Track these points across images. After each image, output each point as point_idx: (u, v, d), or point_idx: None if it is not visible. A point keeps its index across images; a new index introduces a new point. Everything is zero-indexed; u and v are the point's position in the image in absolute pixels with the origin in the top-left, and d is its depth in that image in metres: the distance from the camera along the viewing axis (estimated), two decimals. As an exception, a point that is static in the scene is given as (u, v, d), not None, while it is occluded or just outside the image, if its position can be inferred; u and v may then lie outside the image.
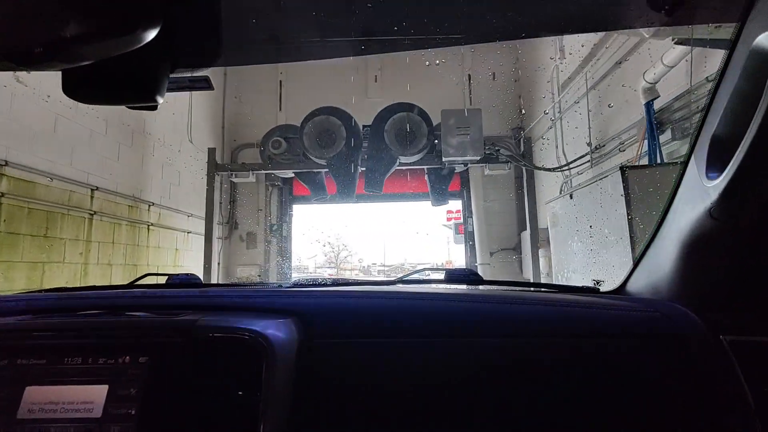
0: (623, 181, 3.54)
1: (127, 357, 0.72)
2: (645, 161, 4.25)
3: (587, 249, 4.20)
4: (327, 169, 7.03)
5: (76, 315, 0.89)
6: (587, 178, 5.14)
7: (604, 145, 5.29)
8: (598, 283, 1.18)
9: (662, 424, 0.77)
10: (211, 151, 7.50)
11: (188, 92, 5.96)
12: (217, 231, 8.09)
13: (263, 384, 0.70)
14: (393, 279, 1.27)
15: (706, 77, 3.49)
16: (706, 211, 0.78)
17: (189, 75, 0.87)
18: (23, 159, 4.40)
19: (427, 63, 7.71)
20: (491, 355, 0.83)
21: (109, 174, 5.69)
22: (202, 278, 1.31)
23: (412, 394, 0.79)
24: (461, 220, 9.12)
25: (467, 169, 8.01)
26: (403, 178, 7.90)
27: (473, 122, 6.46)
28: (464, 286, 1.21)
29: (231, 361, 0.72)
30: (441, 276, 1.21)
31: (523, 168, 7.43)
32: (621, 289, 1.11)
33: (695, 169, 0.83)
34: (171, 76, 0.78)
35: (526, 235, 7.33)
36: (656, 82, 4.17)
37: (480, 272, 6.03)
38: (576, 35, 5.24)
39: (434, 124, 6.57)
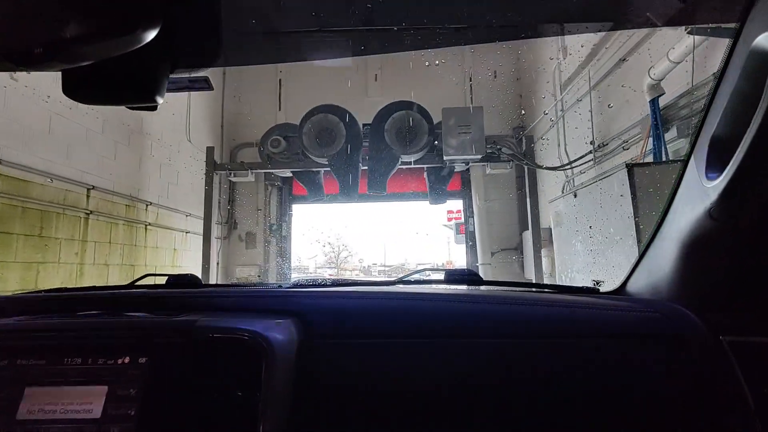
0: (630, 179, 3.47)
1: (127, 357, 0.73)
2: (649, 159, 4.23)
3: (591, 248, 4.16)
4: (326, 169, 7.04)
5: (76, 315, 0.90)
6: (590, 177, 5.12)
7: (606, 144, 5.29)
8: (597, 283, 1.19)
9: (662, 425, 0.77)
10: (210, 150, 7.49)
11: (187, 92, 5.96)
12: (216, 231, 8.09)
13: (263, 384, 0.71)
14: (393, 279, 1.28)
15: (713, 73, 3.48)
16: (706, 212, 0.79)
17: (189, 75, 0.87)
18: (17, 157, 4.39)
19: (427, 64, 7.70)
20: (491, 356, 0.84)
21: (106, 173, 5.67)
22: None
23: (411, 394, 0.80)
24: (462, 220, 9.12)
25: (468, 168, 8.02)
26: (405, 177, 7.90)
27: (474, 121, 6.44)
28: (464, 287, 1.21)
29: (230, 361, 0.73)
30: (441, 276, 1.22)
31: (525, 167, 7.42)
32: (621, 289, 1.12)
33: (695, 170, 0.84)
34: (171, 76, 0.78)
35: (528, 235, 7.32)
36: (661, 79, 4.13)
37: (481, 272, 6.04)
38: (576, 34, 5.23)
39: (435, 122, 6.57)
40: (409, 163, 6.90)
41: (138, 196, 6.30)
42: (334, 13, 0.78)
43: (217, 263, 8.16)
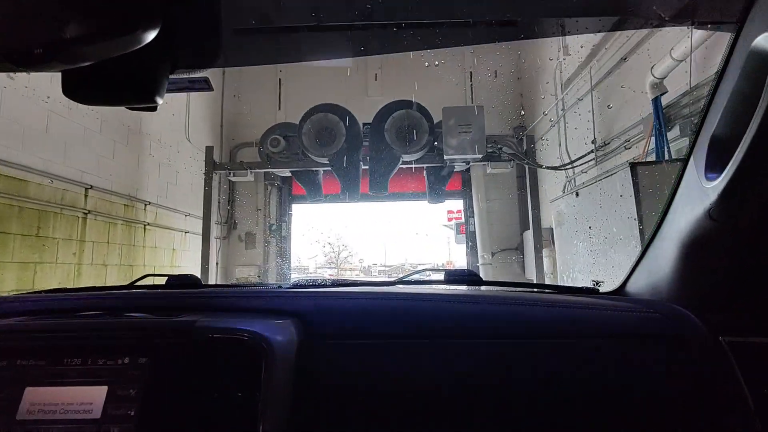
0: (633, 178, 3.45)
1: (127, 358, 0.74)
2: (651, 159, 4.22)
3: (594, 248, 4.14)
4: (326, 168, 7.05)
5: (76, 316, 0.91)
6: (591, 176, 5.12)
7: (608, 143, 5.29)
8: (597, 283, 1.19)
9: (662, 425, 0.78)
10: (209, 149, 7.51)
11: (187, 92, 5.97)
12: (216, 231, 8.10)
13: (262, 385, 0.71)
14: (393, 280, 1.28)
15: (715, 72, 3.45)
16: (705, 212, 0.80)
17: (189, 76, 0.88)
18: (14, 157, 4.38)
19: (427, 65, 7.71)
20: (491, 356, 0.84)
21: (105, 173, 5.67)
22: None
23: (411, 394, 0.81)
24: (462, 220, 9.13)
25: (469, 168, 8.03)
26: (404, 177, 7.90)
27: (475, 120, 6.44)
28: (464, 287, 1.22)
29: (230, 362, 0.73)
30: (441, 277, 1.23)
31: (526, 166, 7.43)
32: (620, 289, 1.13)
33: (694, 170, 0.85)
34: (170, 77, 0.79)
35: (529, 234, 7.33)
36: (664, 78, 4.11)
37: (482, 273, 6.05)
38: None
39: (435, 121, 6.58)
40: (410, 162, 6.91)
41: (137, 196, 6.31)
42: (334, 13, 0.79)
43: (217, 263, 8.17)
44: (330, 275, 19.51)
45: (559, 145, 6.44)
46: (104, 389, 0.71)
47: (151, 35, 0.64)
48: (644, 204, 3.38)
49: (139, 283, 1.28)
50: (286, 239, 9.05)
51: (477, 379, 0.82)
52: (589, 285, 1.19)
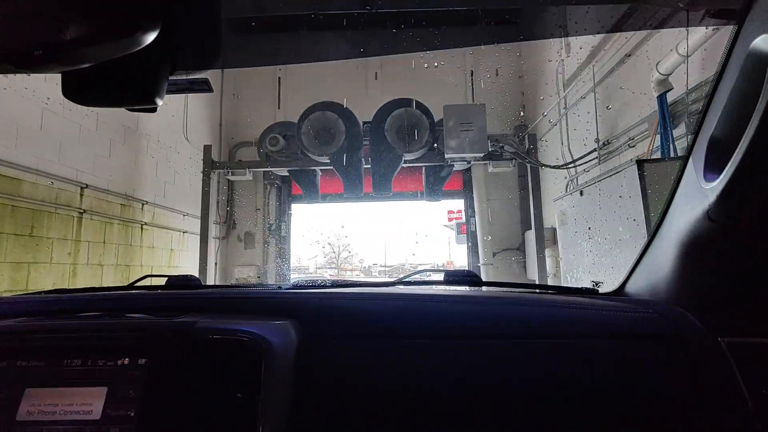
0: (640, 175, 3.39)
1: (127, 359, 0.75)
2: (655, 157, 4.19)
3: (598, 248, 4.11)
4: (326, 168, 7.05)
5: (76, 317, 0.92)
6: (594, 175, 5.11)
7: (610, 142, 5.29)
8: (597, 284, 1.21)
9: (661, 425, 0.79)
10: (207, 148, 7.50)
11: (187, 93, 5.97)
12: (214, 231, 8.11)
13: (262, 385, 0.73)
14: (392, 280, 1.30)
15: (715, 72, 3.42)
16: (704, 213, 0.81)
17: (188, 77, 0.89)
18: (7, 155, 4.37)
19: (426, 66, 7.71)
20: (490, 356, 0.85)
21: (101, 172, 5.65)
22: None
23: (411, 395, 0.82)
24: (463, 220, 9.14)
25: (470, 167, 8.03)
26: (404, 176, 7.91)
27: (476, 118, 6.43)
28: (463, 288, 1.23)
29: (230, 362, 0.75)
30: (440, 277, 1.24)
31: (528, 166, 7.43)
32: (620, 290, 1.14)
33: (693, 171, 0.86)
34: (170, 78, 0.80)
35: (531, 234, 7.32)
36: (670, 74, 4.06)
37: (482, 273, 6.07)
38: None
39: (436, 120, 6.57)
40: (412, 161, 6.91)
41: (134, 196, 6.30)
42: (334, 15, 0.80)
43: (215, 263, 8.17)
44: (330, 275, 19.57)
45: (561, 144, 6.44)
46: (104, 390, 0.72)
47: (151, 36, 0.64)
48: (651, 201, 3.33)
49: (138, 283, 1.30)
50: (285, 239, 9.05)
51: (477, 380, 0.83)
52: (601, 285, 1.20)
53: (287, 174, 7.93)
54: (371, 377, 0.84)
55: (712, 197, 0.78)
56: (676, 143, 4.02)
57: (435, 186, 7.58)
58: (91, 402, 0.71)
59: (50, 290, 1.21)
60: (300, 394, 0.80)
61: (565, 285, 4.14)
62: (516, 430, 0.80)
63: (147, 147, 6.68)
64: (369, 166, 6.83)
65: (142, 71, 0.75)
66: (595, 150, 5.52)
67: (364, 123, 6.72)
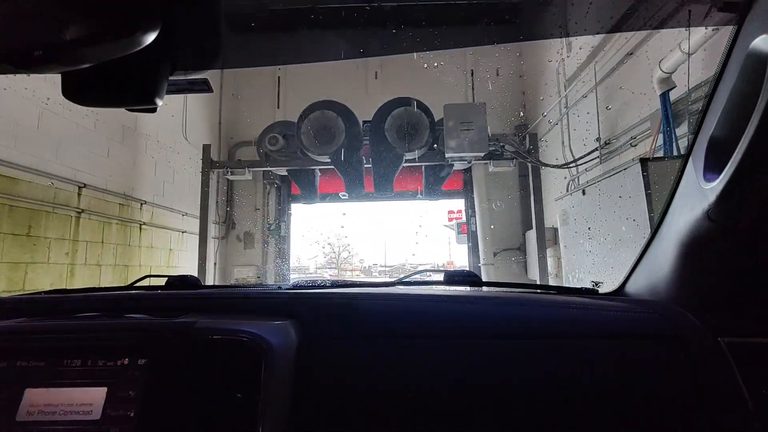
0: (643, 174, 3.37)
1: (127, 359, 0.75)
2: (658, 156, 4.18)
3: (601, 247, 4.10)
4: (324, 167, 7.06)
5: (76, 317, 0.92)
6: (595, 175, 5.10)
7: (613, 141, 5.28)
8: (597, 284, 1.21)
9: (661, 425, 0.80)
10: (206, 148, 7.51)
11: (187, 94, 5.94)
12: (214, 230, 8.12)
13: (262, 386, 0.73)
14: (392, 280, 1.30)
15: (714, 73, 3.39)
16: (704, 213, 0.81)
17: (188, 77, 0.90)
18: (4, 154, 4.36)
19: (425, 66, 7.71)
20: (490, 356, 0.86)
21: (99, 171, 5.65)
22: None
23: (411, 395, 0.83)
24: (463, 220, 9.15)
25: (470, 167, 8.03)
26: (404, 175, 7.92)
27: (477, 117, 6.42)
28: (463, 288, 1.24)
29: (230, 363, 0.75)
30: (440, 278, 1.24)
31: (529, 165, 7.43)
32: (620, 290, 1.15)
33: (693, 171, 0.86)
34: (170, 78, 0.81)
35: (531, 234, 7.32)
36: (673, 72, 4.04)
37: (483, 273, 6.07)
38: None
39: (436, 119, 6.58)
40: (413, 161, 6.91)
41: (132, 195, 6.30)
42: (334, 15, 0.80)
43: (215, 264, 8.18)
44: (330, 275, 19.63)
45: (562, 143, 6.44)
46: (104, 390, 0.73)
47: (151, 37, 0.65)
48: (654, 200, 3.31)
49: (138, 283, 1.30)
50: (285, 239, 9.06)
51: (477, 380, 0.84)
52: (601, 285, 1.20)
53: (287, 174, 7.94)
54: (371, 377, 0.85)
55: (711, 197, 0.79)
56: (678, 142, 4.00)
57: (434, 186, 7.59)
58: (91, 402, 0.72)
59: (50, 290, 1.22)
60: (300, 394, 0.81)
61: (566, 285, 4.14)
62: (516, 430, 0.81)
63: (146, 146, 6.69)
64: (369, 165, 6.83)
65: (142, 71, 0.76)
66: (596, 149, 5.52)
67: (364, 122, 6.72)
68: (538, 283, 6.74)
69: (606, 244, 4.02)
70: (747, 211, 0.77)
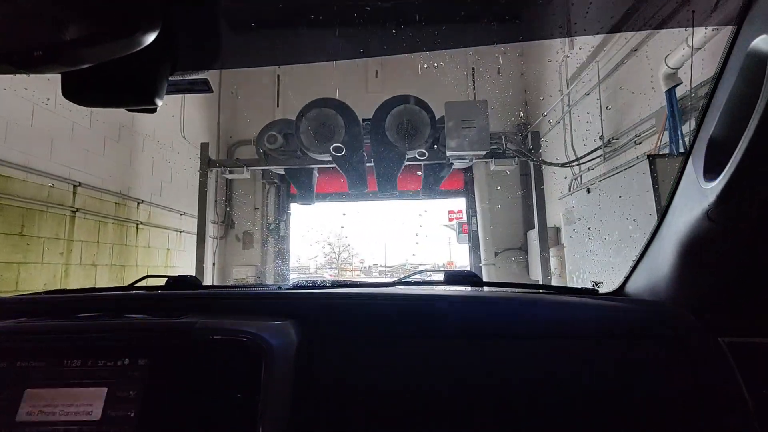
0: (651, 171, 3.35)
1: (127, 359, 0.77)
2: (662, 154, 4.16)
3: (606, 246, 4.08)
4: (323, 166, 7.06)
5: (76, 317, 0.93)
6: (598, 173, 5.09)
7: (616, 139, 5.28)
8: (597, 284, 1.23)
9: (661, 425, 0.81)
10: (204, 146, 7.51)
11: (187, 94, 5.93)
12: (212, 230, 8.12)
13: (262, 386, 0.74)
14: (392, 281, 1.32)
15: (714, 73, 3.34)
16: (704, 213, 0.82)
17: (188, 77, 0.91)
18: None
19: (426, 66, 7.72)
20: (491, 356, 0.87)
21: (94, 169, 5.65)
22: None
23: (411, 395, 0.84)
24: (463, 219, 9.15)
25: (471, 166, 8.03)
26: (408, 174, 7.93)
27: (479, 115, 6.41)
28: (464, 288, 1.25)
29: (230, 363, 0.76)
30: (441, 278, 1.26)
31: (531, 164, 7.42)
32: (620, 290, 1.16)
33: (693, 171, 0.87)
34: (170, 78, 0.82)
35: (533, 234, 7.31)
36: (679, 68, 3.99)
37: (484, 273, 6.06)
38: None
39: (437, 117, 6.57)
40: (415, 159, 6.91)
41: (129, 194, 6.30)
42: (334, 15, 0.82)
43: (213, 264, 8.19)
44: (330, 276, 19.67)
45: (564, 142, 6.44)
46: (104, 390, 0.74)
47: (150, 37, 0.66)
48: (663, 198, 3.25)
49: (138, 284, 1.32)
50: (284, 239, 9.07)
51: (477, 379, 0.85)
52: (604, 285, 1.22)
53: (285, 173, 7.95)
54: (371, 377, 0.86)
55: (711, 197, 0.80)
56: (685, 139, 3.98)
57: (433, 185, 7.60)
58: (91, 402, 0.73)
59: (50, 290, 1.23)
60: (300, 394, 0.82)
61: (570, 285, 4.13)
62: (516, 429, 0.82)
63: (143, 145, 6.69)
64: (371, 164, 6.83)
65: (142, 71, 0.77)
66: (600, 148, 5.52)
67: (364, 120, 6.72)
68: (539, 283, 6.75)
69: (612, 242, 4.00)
70: (747, 211, 0.78)
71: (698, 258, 0.90)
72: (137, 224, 6.46)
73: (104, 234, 5.83)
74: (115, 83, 0.78)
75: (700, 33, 3.55)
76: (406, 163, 6.95)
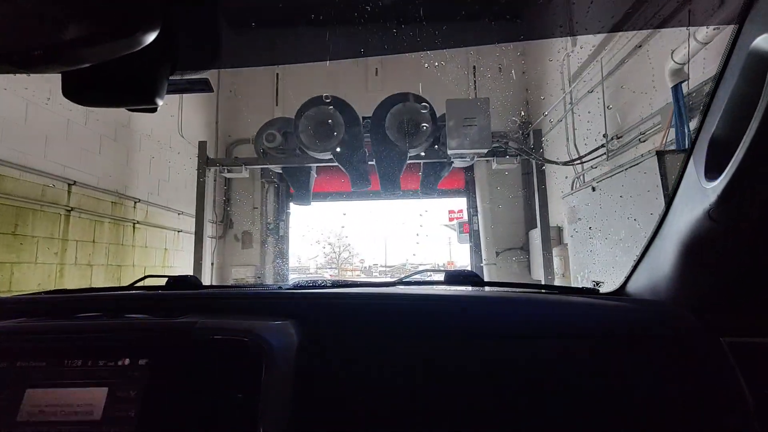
0: (660, 167, 3.31)
1: (127, 359, 0.77)
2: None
3: (613, 245, 4.04)
4: (326, 165, 7.07)
5: (76, 317, 0.95)
6: (601, 172, 5.07)
7: (621, 136, 5.28)
8: (597, 284, 1.24)
9: (662, 425, 0.82)
10: (202, 145, 7.52)
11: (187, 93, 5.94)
12: (211, 230, 8.14)
13: (263, 386, 0.75)
14: (393, 280, 1.33)
15: (715, 73, 3.29)
16: (705, 213, 0.83)
17: (188, 77, 0.92)
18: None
19: (426, 65, 7.72)
20: (491, 356, 0.88)
21: (90, 168, 5.65)
22: None
23: (411, 395, 0.85)
24: (464, 219, 9.16)
25: (473, 164, 8.03)
26: (406, 174, 7.95)
27: (480, 113, 6.39)
28: (464, 288, 1.26)
29: (231, 363, 0.77)
30: (441, 277, 1.27)
31: (533, 162, 7.42)
32: (621, 290, 1.17)
33: (694, 171, 0.88)
34: (170, 78, 0.83)
35: (535, 233, 7.31)
36: (685, 63, 3.92)
37: (485, 272, 6.05)
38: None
39: (438, 115, 6.58)
40: (417, 157, 6.92)
41: (125, 193, 6.31)
42: (334, 14, 0.83)
43: (212, 264, 8.20)
44: (330, 275, 19.72)
45: (567, 140, 6.44)
46: (105, 390, 0.75)
47: (151, 37, 0.67)
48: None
49: (138, 284, 1.33)
50: (284, 239, 9.09)
51: (477, 379, 0.86)
52: (609, 285, 1.23)
53: (282, 173, 7.96)
54: (372, 377, 0.87)
55: (713, 197, 0.80)
56: (692, 136, 3.91)
57: (432, 183, 7.61)
58: (91, 402, 0.74)
59: (50, 290, 1.24)
60: (300, 394, 0.83)
61: (575, 285, 4.12)
62: (516, 429, 0.83)
63: (140, 143, 6.69)
64: (372, 162, 6.84)
65: (142, 71, 0.78)
66: (603, 146, 5.52)
67: (364, 118, 6.73)
68: (541, 282, 6.76)
69: (618, 241, 3.97)
70: (748, 210, 0.79)
71: (699, 258, 0.91)
72: (134, 223, 6.46)
73: (100, 233, 5.83)
74: (116, 83, 0.78)
75: (709, 27, 3.52)
76: (411, 161, 6.95)
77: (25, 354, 0.79)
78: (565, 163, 6.39)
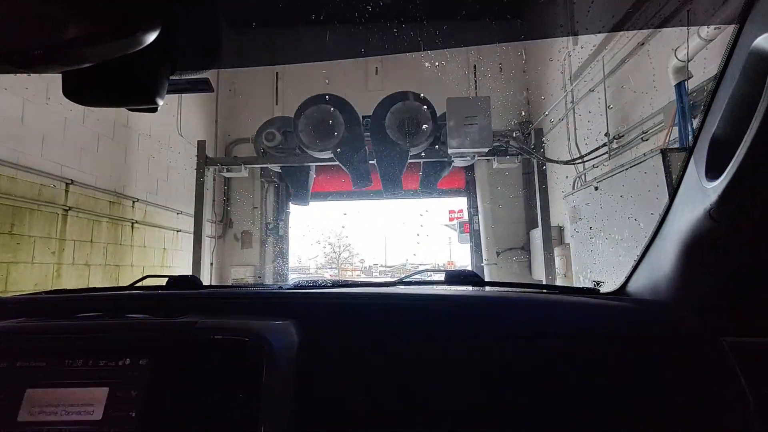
0: (664, 166, 3.28)
1: (128, 359, 0.78)
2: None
3: (616, 245, 4.03)
4: (326, 164, 7.07)
5: (77, 317, 0.95)
6: (603, 171, 5.06)
7: (621, 136, 5.27)
8: (598, 284, 1.24)
9: (662, 425, 0.83)
10: (201, 144, 7.52)
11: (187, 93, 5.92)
12: (210, 229, 8.14)
13: (263, 386, 0.76)
14: (393, 280, 1.33)
15: (716, 73, 3.26)
16: (706, 213, 0.83)
17: (189, 77, 0.92)
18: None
19: (427, 64, 7.72)
20: (491, 356, 0.89)
21: (88, 167, 5.64)
22: None
23: (411, 395, 0.86)
24: (465, 219, 9.17)
25: (473, 164, 8.04)
26: (408, 173, 7.95)
27: (481, 111, 6.38)
28: (464, 288, 1.27)
29: (231, 363, 0.78)
30: (441, 277, 1.27)
31: (534, 162, 7.42)
32: (621, 290, 1.17)
33: (695, 170, 0.89)
34: (170, 78, 0.83)
35: (536, 233, 7.31)
36: (689, 61, 3.76)
37: (486, 272, 6.05)
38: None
39: (439, 113, 6.57)
40: (417, 156, 6.92)
41: (123, 192, 6.31)
42: (334, 15, 0.83)
43: (211, 263, 8.21)
44: (331, 275, 19.76)
45: (568, 139, 6.43)
46: (105, 390, 0.75)
47: (151, 37, 0.67)
48: None
49: (139, 284, 1.33)
50: (283, 238, 9.09)
51: (477, 379, 0.87)
52: (612, 284, 1.23)
53: (281, 172, 7.96)
54: (372, 377, 0.87)
55: (714, 196, 0.80)
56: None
57: (432, 182, 7.61)
58: (92, 402, 0.74)
59: (51, 290, 1.25)
60: (301, 394, 0.83)
61: (574, 285, 4.13)
62: (516, 429, 0.84)
63: (138, 142, 6.69)
64: (373, 162, 6.84)
65: (142, 71, 0.78)
66: (605, 145, 5.52)
67: (364, 117, 6.73)
68: (542, 282, 6.76)
69: (619, 241, 3.97)
70: (749, 210, 0.79)
71: (700, 257, 0.91)
72: (132, 223, 6.47)
73: (98, 233, 5.82)
74: (116, 82, 0.78)
75: (712, 24, 3.48)
76: (412, 161, 6.95)
77: (25, 354, 0.79)
78: (567, 163, 6.39)
